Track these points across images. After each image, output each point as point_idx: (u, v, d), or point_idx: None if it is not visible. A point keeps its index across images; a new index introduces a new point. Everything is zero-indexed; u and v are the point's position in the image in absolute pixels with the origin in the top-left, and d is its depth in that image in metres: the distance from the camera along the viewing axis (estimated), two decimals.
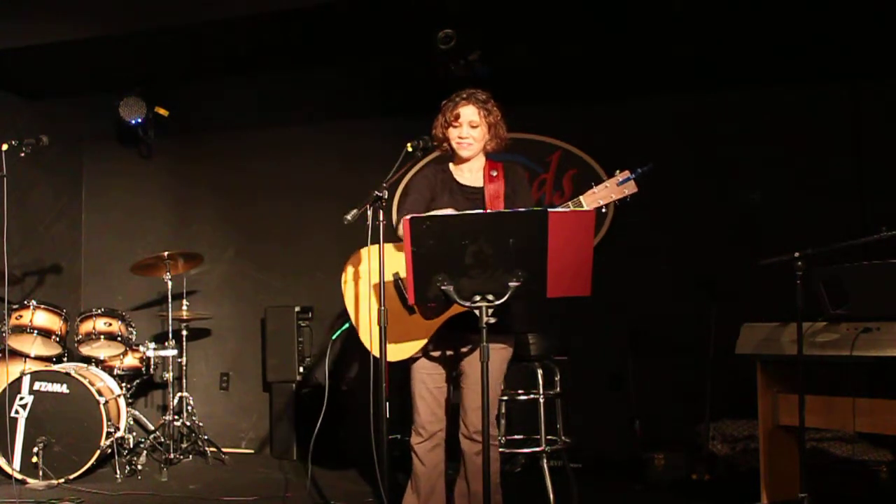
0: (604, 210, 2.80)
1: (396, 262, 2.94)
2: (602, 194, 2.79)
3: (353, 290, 3.03)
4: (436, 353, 3.03)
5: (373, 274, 2.92)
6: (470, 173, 3.05)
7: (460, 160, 3.04)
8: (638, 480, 4.39)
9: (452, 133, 2.98)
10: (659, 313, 4.91)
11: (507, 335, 3.00)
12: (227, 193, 5.99)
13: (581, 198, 2.81)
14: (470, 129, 2.96)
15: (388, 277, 2.94)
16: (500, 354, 2.99)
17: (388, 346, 2.83)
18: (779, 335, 3.48)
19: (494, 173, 3.00)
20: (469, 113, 2.95)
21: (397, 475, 3.08)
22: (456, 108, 2.96)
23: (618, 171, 2.79)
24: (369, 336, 2.96)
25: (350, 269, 3.05)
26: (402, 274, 2.90)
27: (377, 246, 2.98)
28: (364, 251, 3.02)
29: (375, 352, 2.86)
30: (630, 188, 2.79)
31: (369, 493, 4.19)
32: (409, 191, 3.06)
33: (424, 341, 2.91)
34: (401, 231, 2.88)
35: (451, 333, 2.95)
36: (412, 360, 3.01)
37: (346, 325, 3.14)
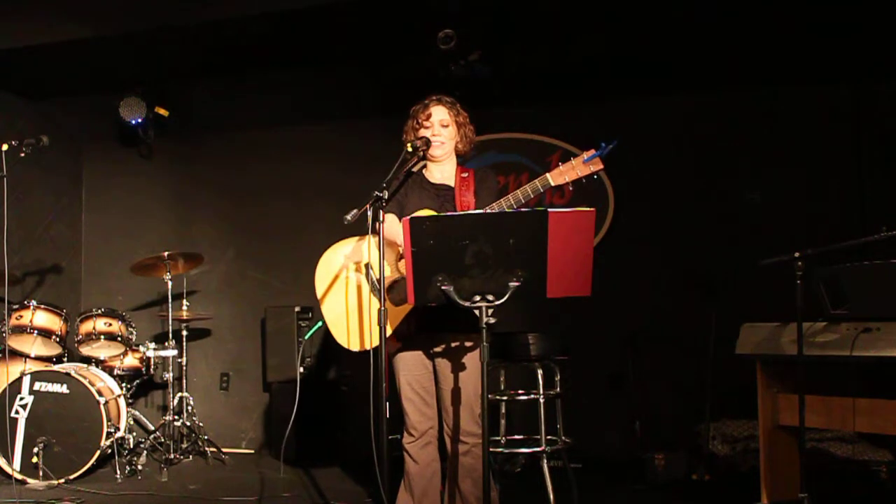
0: (570, 188, 2.86)
1: (365, 253, 3.02)
2: (568, 172, 2.84)
3: (327, 287, 3.07)
4: (418, 354, 3.05)
5: (338, 272, 3.03)
6: (441, 174, 3.11)
7: (433, 160, 3.10)
8: (638, 480, 4.39)
9: (424, 134, 3.05)
10: (659, 313, 4.91)
11: (478, 332, 3.01)
12: (227, 193, 5.99)
13: (548, 175, 2.86)
14: (441, 128, 3.05)
15: (360, 268, 3.02)
16: (472, 353, 3.00)
17: (359, 335, 2.94)
18: (779, 335, 3.48)
19: (465, 175, 3.08)
20: (439, 113, 3.05)
21: (397, 475, 3.08)
22: (426, 109, 3.06)
23: (583, 152, 2.85)
24: (339, 331, 3.03)
25: (322, 267, 3.09)
26: (374, 263, 2.98)
27: (348, 241, 3.05)
28: (334, 248, 3.08)
29: (346, 345, 3.00)
30: (596, 165, 2.84)
31: (369, 493, 4.19)
32: (395, 194, 3.09)
33: (391, 330, 2.93)
34: (385, 231, 2.90)
35: (425, 334, 2.98)
36: (391, 355, 3.04)
37: (319, 324, 3.18)
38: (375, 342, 2.90)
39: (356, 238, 3.07)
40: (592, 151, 2.82)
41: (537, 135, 5.36)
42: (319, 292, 3.09)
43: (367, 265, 2.99)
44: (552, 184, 2.84)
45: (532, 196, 2.84)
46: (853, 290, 3.24)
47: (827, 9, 4.27)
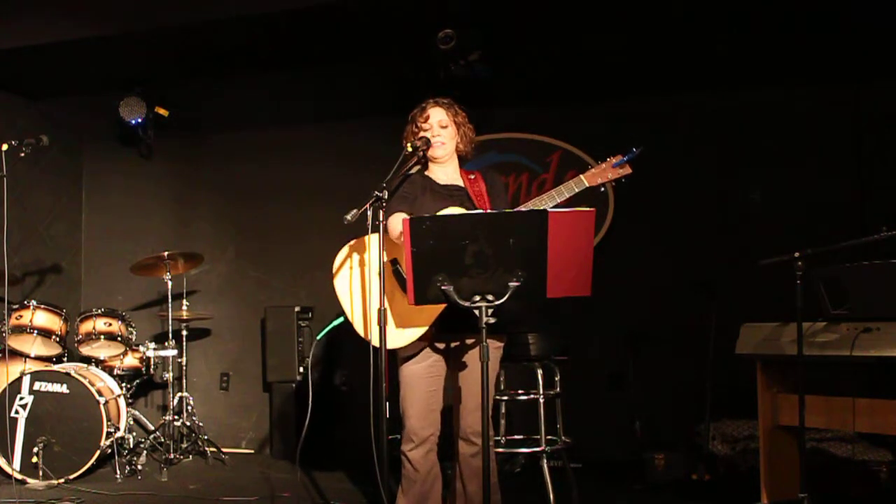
0: (602, 189, 2.94)
1: (389, 253, 2.98)
2: (600, 175, 2.91)
3: (347, 281, 3.03)
4: (427, 353, 3.01)
5: (366, 263, 2.98)
6: (446, 175, 3.10)
7: (435, 162, 3.09)
8: (638, 480, 4.39)
9: (424, 136, 3.04)
10: (659, 313, 4.91)
11: (500, 333, 3.01)
12: (227, 193, 5.99)
13: (582, 176, 2.91)
14: (440, 129, 3.05)
15: (379, 264, 2.95)
16: (493, 354, 2.98)
17: (389, 332, 2.85)
18: (779, 335, 3.48)
19: (472, 177, 3.09)
20: (437, 114, 3.06)
21: (397, 475, 3.08)
22: (424, 112, 3.07)
23: (610, 157, 2.93)
24: (364, 325, 2.97)
25: (340, 262, 3.06)
26: (398, 260, 2.94)
27: (366, 238, 3.00)
28: (352, 243, 3.05)
29: (373, 340, 2.89)
30: (624, 169, 2.92)
31: (369, 493, 4.19)
32: (394, 193, 3.07)
33: (426, 327, 2.90)
34: (392, 229, 2.89)
35: (441, 333, 2.96)
36: (405, 358, 2.99)
37: (336, 322, 3.14)
38: (402, 342, 2.89)
39: (374, 235, 2.99)
40: (620, 157, 2.90)
41: (537, 135, 5.36)
42: (338, 284, 3.03)
43: (393, 260, 2.96)
44: (587, 185, 2.90)
45: (567, 196, 2.88)
46: (853, 290, 3.24)
47: (827, 9, 4.27)
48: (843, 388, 3.47)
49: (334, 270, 3.05)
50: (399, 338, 2.89)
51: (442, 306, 2.82)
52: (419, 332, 2.90)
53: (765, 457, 3.66)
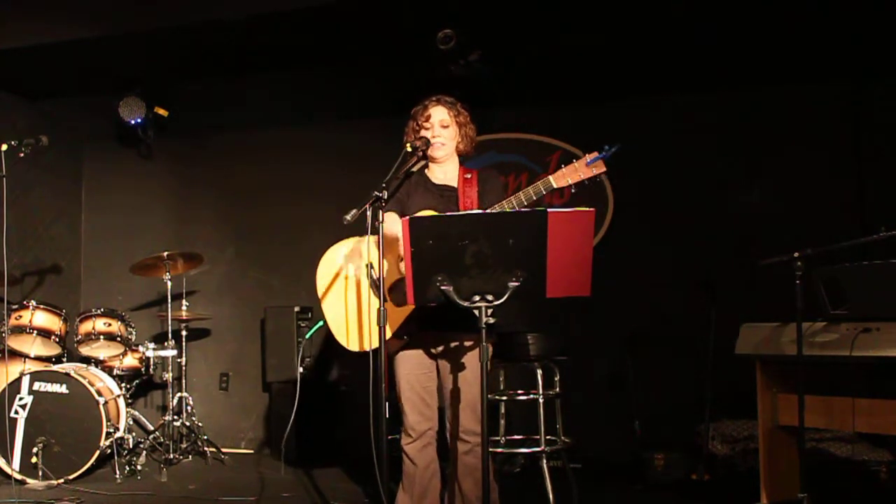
0: (573, 190, 2.85)
1: (365, 253, 3.01)
2: (571, 174, 2.84)
3: (327, 286, 3.06)
4: (419, 353, 3.04)
5: (342, 273, 3.03)
6: (443, 174, 3.10)
7: (434, 161, 3.09)
8: (638, 480, 4.39)
9: (424, 135, 3.03)
10: (659, 314, 4.91)
11: (489, 334, 3.00)
12: (227, 193, 6.00)
13: (550, 177, 2.85)
14: (441, 129, 3.03)
15: (362, 268, 3.01)
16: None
17: (359, 335, 2.92)
18: (779, 335, 3.48)
19: (468, 176, 3.07)
20: (439, 113, 3.04)
21: (396, 475, 3.09)
22: (426, 110, 3.05)
23: (585, 154, 2.85)
24: (344, 331, 3.01)
25: (324, 267, 3.08)
26: (374, 264, 2.97)
27: (349, 241, 3.04)
28: (334, 248, 3.08)
29: (347, 345, 2.99)
30: (598, 167, 2.84)
31: (368, 493, 4.19)
32: (394, 194, 3.07)
33: (398, 325, 2.92)
34: (385, 229, 2.89)
35: (432, 333, 2.98)
36: (392, 354, 3.02)
37: (320, 324, 3.17)
38: (375, 344, 2.89)
39: (357, 238, 3.06)
40: (595, 154, 2.82)
41: (537, 135, 5.36)
42: (320, 292, 3.08)
43: (368, 265, 2.99)
44: (554, 186, 2.84)
45: (535, 198, 2.83)
46: (853, 290, 3.23)
47: (826, 8, 4.26)
48: (843, 388, 3.47)
49: (318, 277, 3.08)
50: (370, 341, 2.91)
51: (410, 309, 2.86)
52: (392, 329, 2.92)
53: (765, 457, 3.66)
